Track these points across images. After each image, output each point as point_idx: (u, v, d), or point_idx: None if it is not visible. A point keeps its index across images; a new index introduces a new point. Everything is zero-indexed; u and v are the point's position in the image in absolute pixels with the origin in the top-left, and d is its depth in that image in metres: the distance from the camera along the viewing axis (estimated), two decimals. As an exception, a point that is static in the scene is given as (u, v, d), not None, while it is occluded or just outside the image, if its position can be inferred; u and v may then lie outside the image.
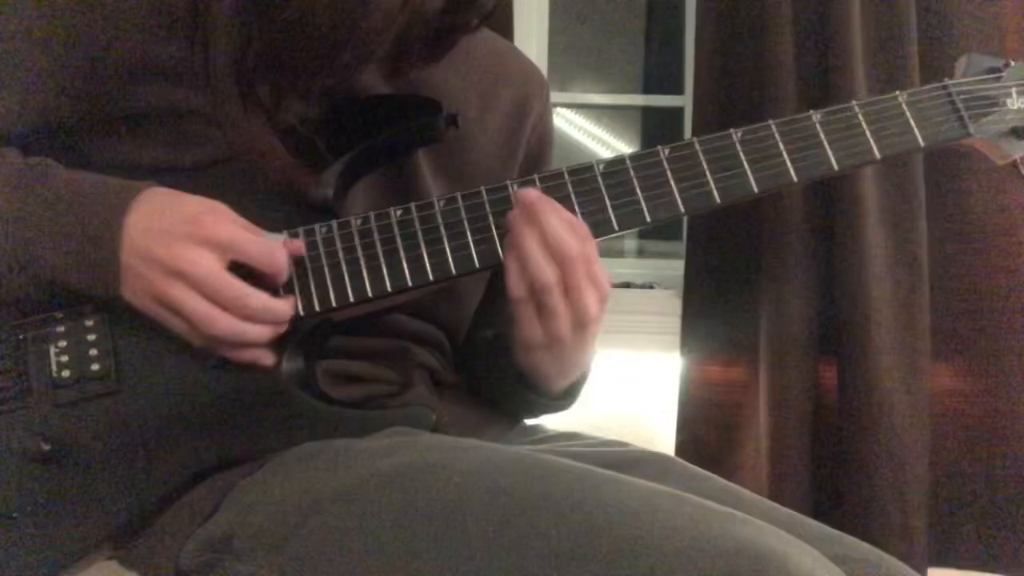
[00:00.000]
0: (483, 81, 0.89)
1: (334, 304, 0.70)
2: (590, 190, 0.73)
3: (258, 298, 0.65)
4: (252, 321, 0.65)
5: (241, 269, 0.65)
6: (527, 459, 0.60)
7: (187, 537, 0.66)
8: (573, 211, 0.72)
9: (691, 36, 1.59)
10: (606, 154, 0.76)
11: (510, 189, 0.72)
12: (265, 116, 0.71)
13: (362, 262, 0.71)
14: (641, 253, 1.88)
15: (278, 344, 0.69)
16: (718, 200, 0.74)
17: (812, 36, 1.40)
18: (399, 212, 0.72)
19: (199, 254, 0.63)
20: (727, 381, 1.49)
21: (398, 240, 0.71)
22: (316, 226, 0.71)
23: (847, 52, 1.36)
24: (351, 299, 0.70)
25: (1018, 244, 1.39)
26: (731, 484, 0.75)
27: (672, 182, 0.73)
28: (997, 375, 1.40)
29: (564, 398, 0.83)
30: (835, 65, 1.36)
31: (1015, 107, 0.80)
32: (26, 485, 0.66)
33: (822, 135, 0.75)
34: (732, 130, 0.75)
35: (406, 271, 0.71)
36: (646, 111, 1.89)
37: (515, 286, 0.70)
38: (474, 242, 0.72)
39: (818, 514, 1.39)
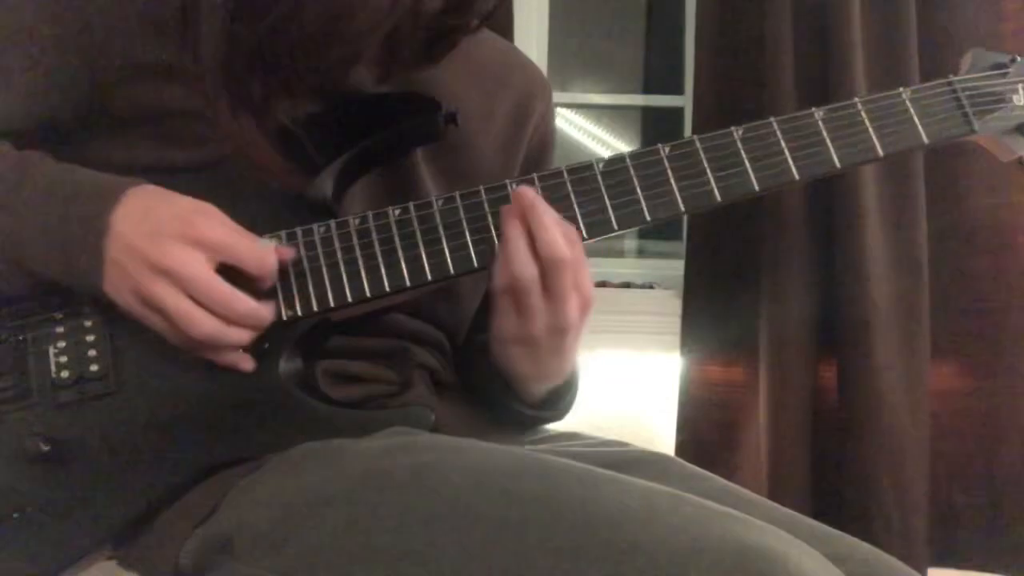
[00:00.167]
0: (484, 82, 0.89)
1: (332, 304, 0.70)
2: (590, 189, 0.73)
3: (245, 302, 0.65)
4: (236, 325, 0.65)
5: (226, 271, 0.65)
6: (527, 459, 0.60)
7: (186, 537, 0.66)
8: (572, 210, 0.72)
9: (691, 36, 1.59)
10: (606, 154, 0.76)
11: (509, 189, 0.72)
12: (253, 116, 0.71)
13: (360, 262, 0.71)
14: (641, 253, 1.88)
15: (257, 347, 0.68)
16: (719, 199, 0.73)
17: (812, 36, 1.40)
18: (397, 212, 0.72)
19: (188, 254, 0.63)
20: (727, 381, 1.49)
21: (396, 240, 0.71)
22: (314, 226, 0.71)
23: (847, 51, 1.36)
24: (349, 299, 0.70)
25: (1018, 244, 1.39)
26: (731, 484, 0.75)
27: (672, 181, 0.73)
28: (997, 375, 1.40)
29: (546, 408, 0.83)
30: (835, 64, 1.36)
31: (1021, 103, 0.79)
32: (26, 485, 0.66)
33: (824, 132, 0.75)
34: (733, 128, 0.74)
35: (404, 271, 0.71)
36: (646, 111, 1.89)
37: (497, 276, 0.70)
38: (472, 242, 0.71)
39: (818, 514, 1.39)
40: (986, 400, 1.41)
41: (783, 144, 0.74)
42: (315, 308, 0.70)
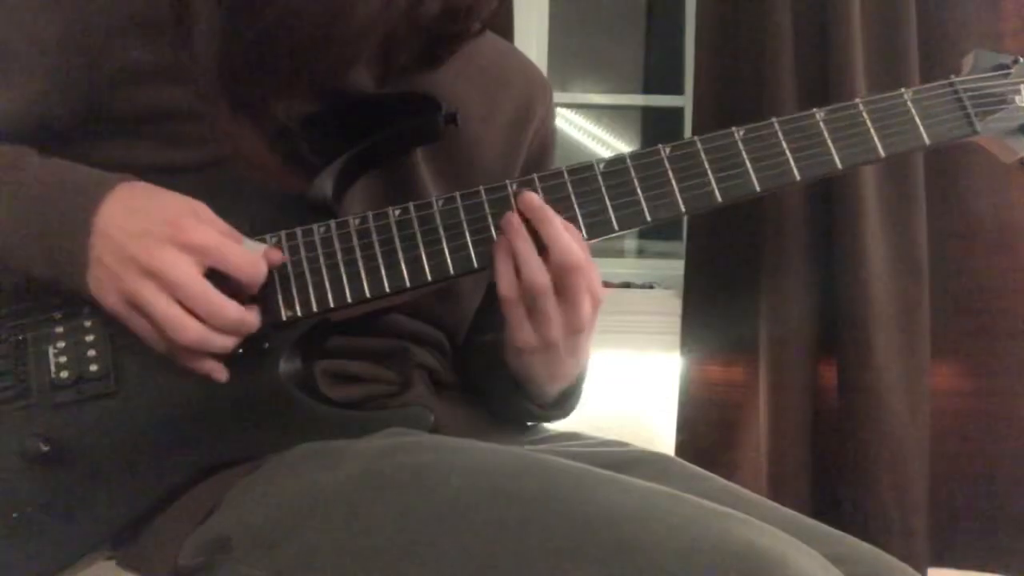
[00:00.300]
0: (485, 84, 0.89)
1: (332, 305, 0.70)
2: (590, 190, 0.73)
3: (236, 310, 0.64)
4: (223, 332, 0.64)
5: (214, 274, 0.64)
6: (527, 459, 0.60)
7: (185, 537, 0.66)
8: (573, 211, 0.72)
9: (691, 36, 1.59)
10: (606, 154, 0.75)
11: (509, 189, 0.72)
12: (252, 117, 0.71)
13: (360, 263, 0.71)
14: (641, 253, 1.88)
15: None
16: (720, 200, 0.73)
17: (812, 36, 1.40)
18: (397, 212, 0.72)
19: (178, 257, 0.62)
20: (727, 381, 1.49)
21: (396, 240, 0.71)
22: (314, 226, 0.71)
23: (847, 51, 1.36)
24: (349, 300, 0.70)
25: (1018, 244, 1.39)
26: (731, 484, 0.75)
27: (673, 181, 0.73)
28: (997, 375, 1.40)
29: (557, 407, 0.83)
30: (835, 64, 1.36)
31: (1023, 104, 0.79)
32: (25, 486, 0.66)
33: (826, 133, 0.75)
34: (734, 128, 0.74)
35: (404, 272, 0.71)
36: (646, 111, 1.89)
37: (507, 288, 0.70)
38: (473, 242, 0.71)
39: (818, 514, 1.39)
40: (986, 400, 1.41)
41: (784, 145, 0.74)
42: (315, 309, 0.70)
